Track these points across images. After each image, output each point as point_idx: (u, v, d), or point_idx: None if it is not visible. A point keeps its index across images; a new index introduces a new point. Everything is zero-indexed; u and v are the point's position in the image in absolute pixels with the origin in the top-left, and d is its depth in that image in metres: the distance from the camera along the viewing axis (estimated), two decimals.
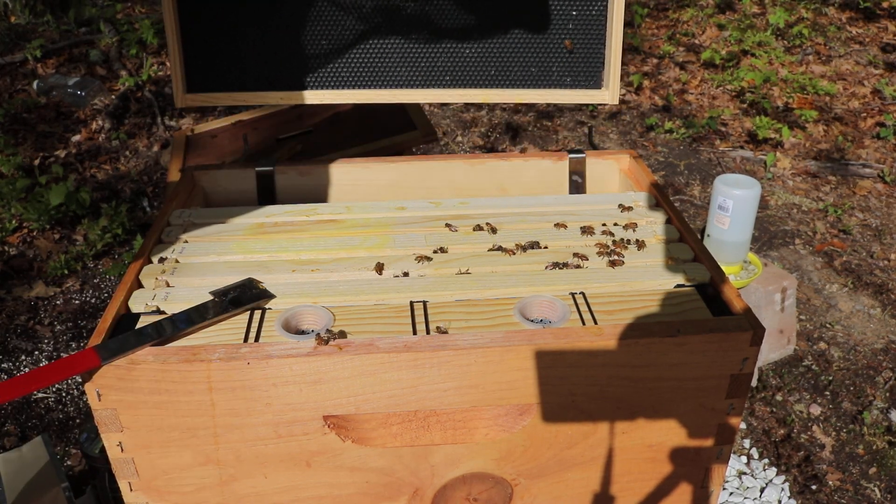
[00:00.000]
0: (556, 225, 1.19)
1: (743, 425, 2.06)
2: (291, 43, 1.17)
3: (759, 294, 2.16)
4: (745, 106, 3.88)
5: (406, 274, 1.08)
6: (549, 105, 3.95)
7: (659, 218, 1.22)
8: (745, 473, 1.92)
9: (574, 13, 1.14)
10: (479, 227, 1.18)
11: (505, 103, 1.18)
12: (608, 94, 1.19)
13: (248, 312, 1.00)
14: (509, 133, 3.70)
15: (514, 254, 1.12)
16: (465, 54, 1.19)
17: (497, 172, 1.41)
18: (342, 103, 1.24)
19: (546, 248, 1.14)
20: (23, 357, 2.31)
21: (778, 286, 2.18)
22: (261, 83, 1.19)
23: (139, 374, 0.89)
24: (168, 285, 1.05)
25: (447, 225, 1.20)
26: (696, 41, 4.69)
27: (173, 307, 1.00)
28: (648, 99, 4.02)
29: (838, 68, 4.27)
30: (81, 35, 4.62)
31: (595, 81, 1.20)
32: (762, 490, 1.86)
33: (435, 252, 1.12)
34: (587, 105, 3.93)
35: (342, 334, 0.94)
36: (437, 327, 0.96)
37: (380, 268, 1.08)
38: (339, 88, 1.22)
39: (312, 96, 1.22)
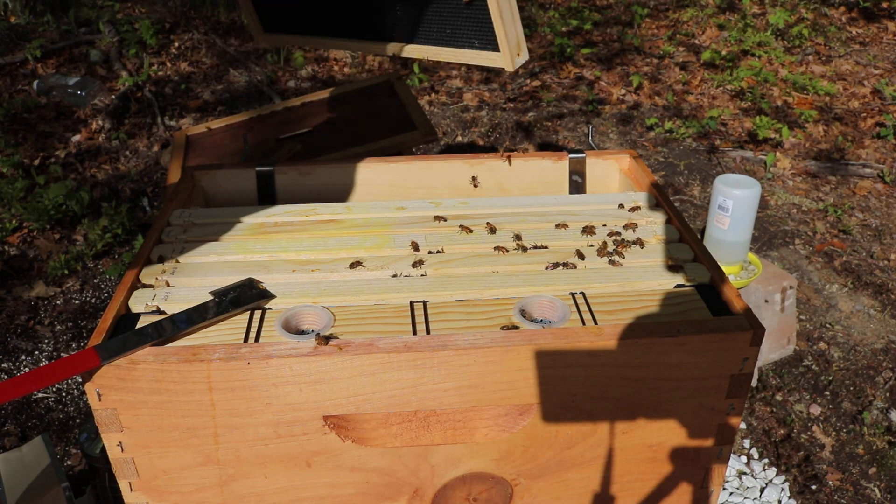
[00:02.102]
0: (557, 225, 1.19)
1: (743, 425, 2.06)
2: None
3: (759, 294, 2.16)
4: (745, 105, 3.88)
5: (409, 274, 1.08)
6: (549, 104, 3.95)
7: (659, 218, 1.22)
8: (745, 473, 1.92)
9: None
10: (467, 228, 1.18)
11: (423, 58, 1.33)
12: (505, 59, 1.27)
13: (248, 312, 1.00)
14: (510, 133, 3.70)
15: (508, 251, 1.12)
16: (397, 15, 1.33)
17: (497, 172, 1.41)
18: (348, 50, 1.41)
19: (546, 248, 1.14)
20: (23, 357, 2.31)
21: (778, 286, 2.18)
22: (309, 29, 1.38)
23: (139, 374, 0.89)
24: (168, 285, 1.05)
25: (437, 217, 1.20)
26: (696, 41, 4.69)
27: (173, 307, 1.00)
28: (648, 99, 4.02)
29: (838, 68, 4.27)
30: (81, 35, 4.62)
31: (495, 45, 1.28)
32: (762, 490, 1.86)
33: (435, 252, 1.12)
34: (588, 106, 3.93)
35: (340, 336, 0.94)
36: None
37: (356, 265, 1.08)
38: (347, 38, 1.38)
39: (332, 44, 1.40)
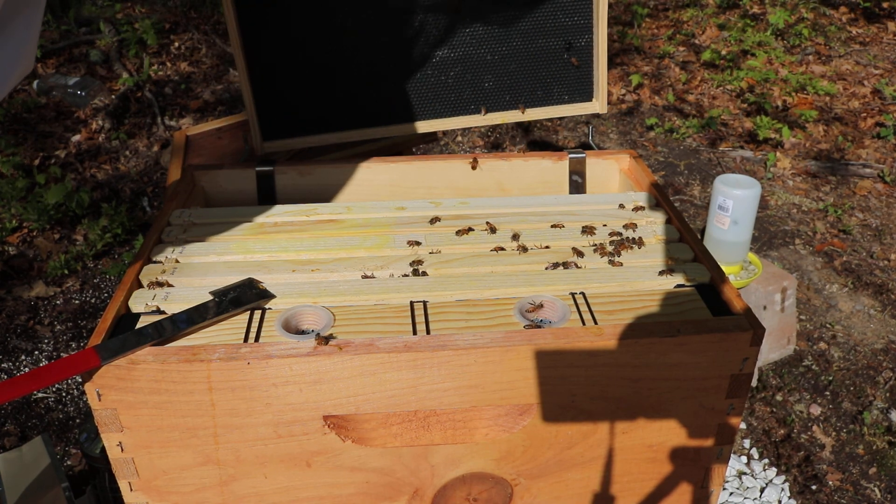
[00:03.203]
0: (556, 225, 1.19)
1: (743, 425, 2.06)
2: (342, 91, 1.40)
3: (759, 294, 2.16)
4: (745, 105, 3.88)
5: (409, 274, 1.08)
6: None
7: (659, 218, 1.22)
8: (745, 473, 1.92)
9: (567, 47, 1.43)
10: (467, 228, 1.18)
11: (518, 121, 1.46)
12: (598, 105, 1.48)
13: (248, 312, 1.00)
14: (510, 133, 3.69)
15: (508, 251, 1.12)
16: (484, 87, 1.44)
17: (497, 172, 1.41)
18: (388, 136, 1.47)
19: (546, 248, 1.14)
20: (23, 357, 2.31)
21: (778, 286, 2.18)
22: (320, 127, 1.42)
23: (139, 374, 0.89)
24: (168, 285, 1.05)
25: (436, 217, 1.20)
26: (697, 41, 4.69)
27: (173, 307, 1.00)
28: (648, 99, 4.02)
29: (838, 68, 4.27)
30: (81, 35, 4.62)
31: (587, 96, 1.47)
32: (762, 490, 1.86)
33: (435, 252, 1.12)
34: None
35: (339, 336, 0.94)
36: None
37: (368, 277, 1.07)
38: (386, 125, 1.44)
39: (360, 134, 1.44)
